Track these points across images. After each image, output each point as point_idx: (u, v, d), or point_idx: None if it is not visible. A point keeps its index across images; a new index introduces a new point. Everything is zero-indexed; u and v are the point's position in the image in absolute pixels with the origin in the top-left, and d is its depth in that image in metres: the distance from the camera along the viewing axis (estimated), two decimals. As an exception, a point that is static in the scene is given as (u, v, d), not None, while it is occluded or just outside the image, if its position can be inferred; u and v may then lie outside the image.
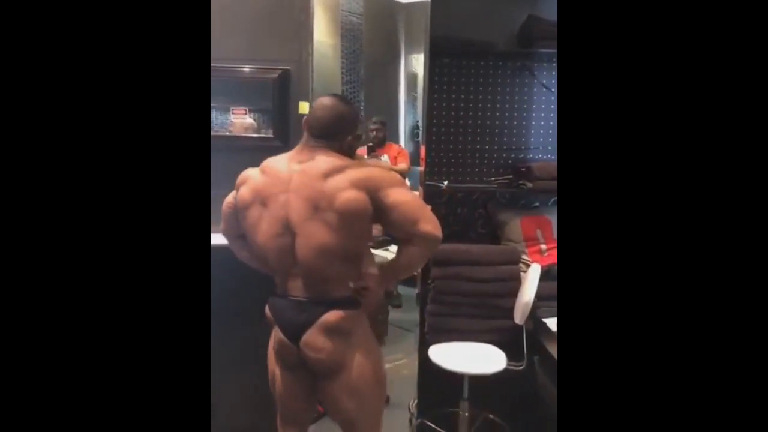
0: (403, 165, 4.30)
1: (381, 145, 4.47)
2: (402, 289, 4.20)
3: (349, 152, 1.55)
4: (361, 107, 5.44)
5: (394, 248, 3.24)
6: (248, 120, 2.31)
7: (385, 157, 4.30)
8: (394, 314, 3.65)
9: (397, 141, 5.36)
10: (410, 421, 2.48)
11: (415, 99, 5.68)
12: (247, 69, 2.29)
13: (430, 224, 1.42)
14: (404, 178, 4.37)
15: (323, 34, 4.94)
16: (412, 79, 5.75)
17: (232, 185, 1.75)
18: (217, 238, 1.73)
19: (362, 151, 4.31)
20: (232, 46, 2.28)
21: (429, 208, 1.45)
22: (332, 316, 1.46)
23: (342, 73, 5.23)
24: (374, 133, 4.52)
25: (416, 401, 2.42)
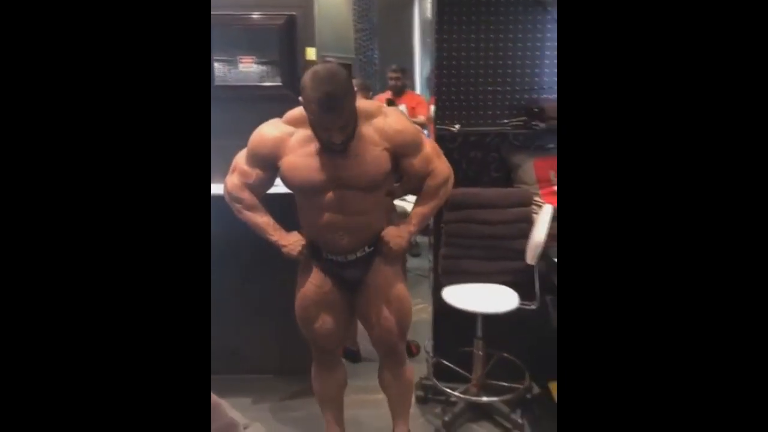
0: (421, 117, 4.12)
1: (399, 95, 4.25)
2: (419, 238, 4.22)
3: None
4: (375, 55, 5.32)
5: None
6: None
7: (403, 107, 4.07)
8: (412, 262, 3.69)
9: (413, 89, 5.20)
10: (427, 360, 2.54)
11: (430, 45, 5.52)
12: (252, 16, 2.26)
13: None
14: (423, 129, 4.28)
15: (333, -20, 4.81)
16: (427, 24, 5.59)
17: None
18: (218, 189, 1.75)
19: (381, 99, 4.14)
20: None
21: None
22: None
23: (354, 20, 5.11)
24: (392, 81, 4.28)
25: (432, 342, 2.48)
